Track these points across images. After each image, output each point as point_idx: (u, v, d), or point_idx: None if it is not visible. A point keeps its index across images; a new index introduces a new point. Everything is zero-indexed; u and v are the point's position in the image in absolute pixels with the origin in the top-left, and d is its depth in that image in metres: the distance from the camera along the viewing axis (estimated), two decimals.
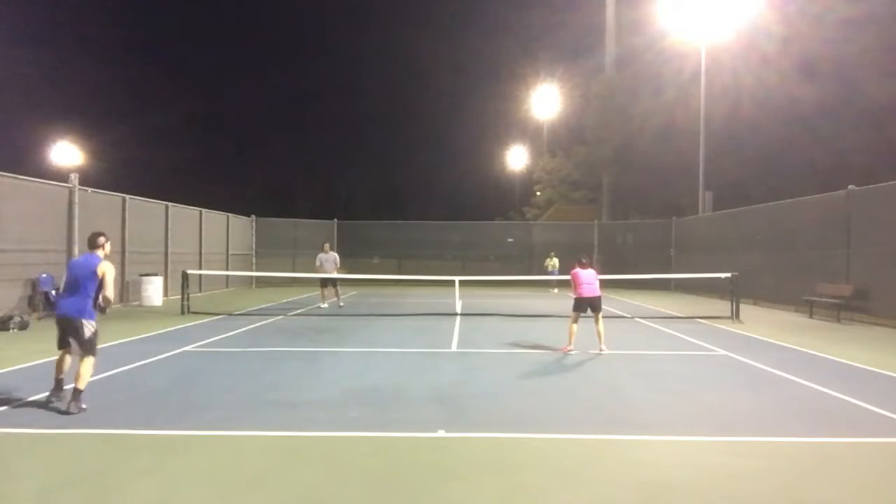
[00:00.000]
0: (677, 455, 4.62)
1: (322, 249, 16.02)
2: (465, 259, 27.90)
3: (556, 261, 22.53)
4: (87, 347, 5.69)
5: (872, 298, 12.89)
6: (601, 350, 9.00)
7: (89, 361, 5.69)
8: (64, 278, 6.17)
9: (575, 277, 9.41)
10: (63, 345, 5.79)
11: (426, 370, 7.79)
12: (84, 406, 5.51)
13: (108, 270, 5.77)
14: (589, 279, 9.31)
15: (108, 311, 6.44)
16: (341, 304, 15.90)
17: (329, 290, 16.09)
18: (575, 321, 9.34)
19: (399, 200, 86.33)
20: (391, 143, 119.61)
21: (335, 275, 15.86)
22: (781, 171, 26.51)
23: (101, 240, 5.99)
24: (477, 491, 3.91)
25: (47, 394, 5.81)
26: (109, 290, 5.78)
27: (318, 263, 15.86)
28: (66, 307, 5.69)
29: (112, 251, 16.64)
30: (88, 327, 5.67)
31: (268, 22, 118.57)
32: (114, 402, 6.04)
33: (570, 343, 9.26)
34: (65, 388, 5.77)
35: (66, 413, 5.41)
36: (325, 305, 15.62)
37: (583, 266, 9.41)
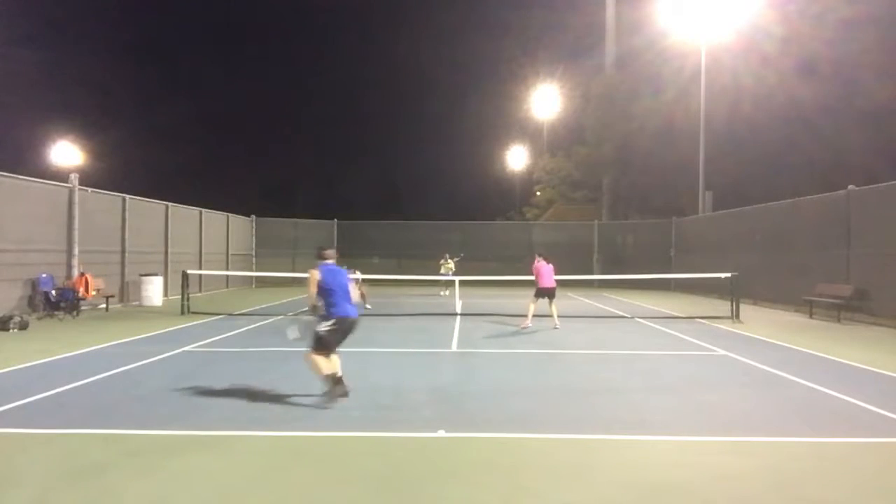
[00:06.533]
0: (677, 455, 4.62)
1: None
2: (465, 259, 27.86)
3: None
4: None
5: (872, 298, 12.89)
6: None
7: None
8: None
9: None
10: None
11: (426, 370, 7.80)
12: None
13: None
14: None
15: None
16: (368, 305, 15.57)
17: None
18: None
19: (399, 200, 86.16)
20: (391, 143, 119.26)
21: (359, 275, 15.68)
22: (781, 171, 26.50)
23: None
24: (477, 491, 3.91)
25: None
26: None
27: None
28: None
29: (112, 251, 16.61)
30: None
31: (268, 22, 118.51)
32: (114, 402, 6.05)
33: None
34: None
35: None
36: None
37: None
